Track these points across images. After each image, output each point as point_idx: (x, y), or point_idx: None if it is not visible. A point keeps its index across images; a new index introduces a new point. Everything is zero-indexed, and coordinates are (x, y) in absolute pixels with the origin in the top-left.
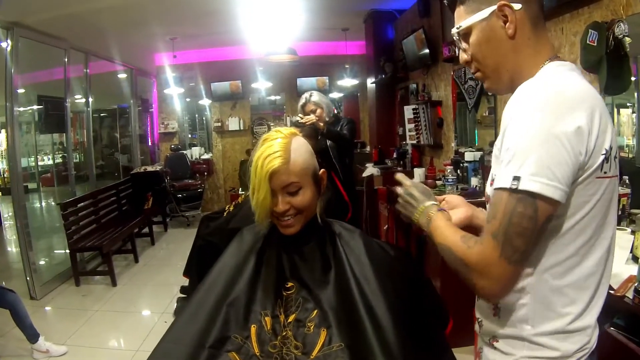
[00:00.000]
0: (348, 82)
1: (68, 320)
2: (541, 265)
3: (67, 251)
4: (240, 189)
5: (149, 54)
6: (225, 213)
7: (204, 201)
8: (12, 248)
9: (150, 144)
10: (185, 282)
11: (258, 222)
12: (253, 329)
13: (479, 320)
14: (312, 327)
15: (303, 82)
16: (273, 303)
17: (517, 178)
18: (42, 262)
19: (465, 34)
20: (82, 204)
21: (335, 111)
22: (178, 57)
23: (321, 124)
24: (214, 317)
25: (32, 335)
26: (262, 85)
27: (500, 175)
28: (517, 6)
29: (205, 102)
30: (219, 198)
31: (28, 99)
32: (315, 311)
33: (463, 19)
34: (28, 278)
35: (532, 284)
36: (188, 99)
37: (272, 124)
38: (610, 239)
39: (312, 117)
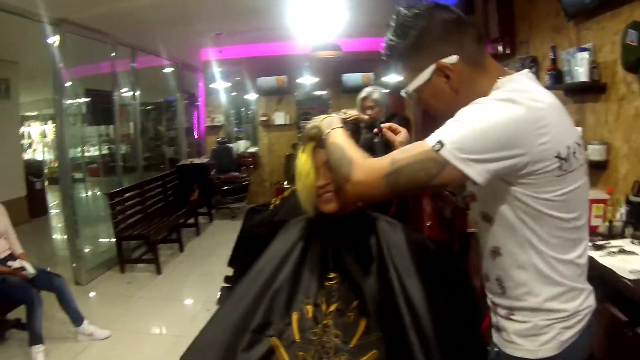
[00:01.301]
0: (393, 78)
1: (112, 306)
2: (538, 243)
3: (113, 239)
4: (285, 182)
5: (194, 49)
6: (271, 206)
7: (249, 194)
8: (58, 235)
9: (196, 136)
10: (230, 272)
11: (304, 204)
12: (295, 316)
13: (491, 299)
14: (352, 317)
15: (348, 77)
16: (315, 292)
17: (441, 143)
18: (87, 250)
19: (415, 91)
20: (128, 193)
21: None
22: (224, 52)
23: (365, 117)
24: (258, 303)
25: (77, 319)
26: (307, 81)
27: (435, 133)
28: (453, 59)
29: (251, 96)
30: (264, 191)
31: (75, 92)
32: (356, 301)
33: (406, 79)
34: (74, 265)
35: (529, 261)
36: (234, 93)
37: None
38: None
39: (354, 113)
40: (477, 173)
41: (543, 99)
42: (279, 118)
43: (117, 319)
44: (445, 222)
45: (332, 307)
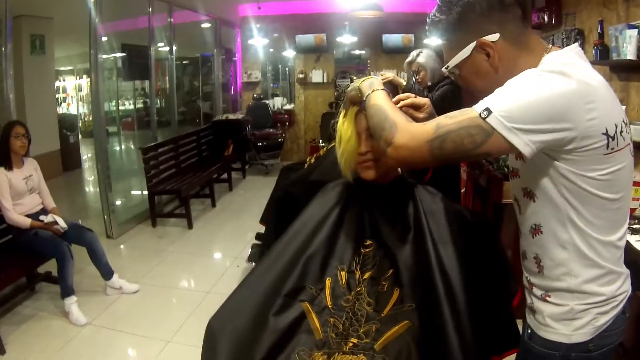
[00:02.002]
0: (434, 41)
1: (142, 260)
2: (581, 223)
3: (145, 193)
4: (320, 141)
5: (232, 5)
6: (306, 165)
7: (283, 151)
8: (90, 188)
9: (232, 92)
10: (261, 229)
11: (344, 170)
12: (328, 281)
13: (527, 278)
14: (386, 286)
15: (388, 38)
16: (350, 259)
17: (489, 110)
18: (119, 203)
19: (456, 68)
20: (162, 148)
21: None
22: (262, 9)
23: (402, 82)
24: (292, 267)
25: (107, 272)
26: (346, 40)
27: (482, 100)
28: (494, 37)
29: (289, 53)
30: (298, 149)
31: (111, 46)
32: (391, 270)
33: (447, 55)
34: (105, 217)
35: (570, 241)
36: (271, 50)
37: (355, 78)
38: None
39: (390, 75)
40: (523, 144)
41: (592, 76)
42: (317, 76)
43: (146, 273)
44: (480, 191)
45: (366, 275)
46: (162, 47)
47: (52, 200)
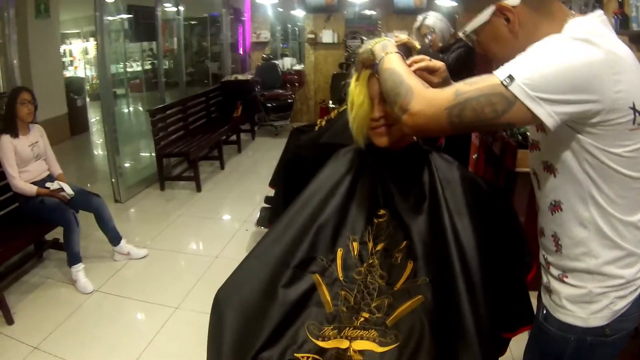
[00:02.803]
0: (446, 2)
1: (151, 223)
2: (603, 201)
3: (154, 155)
4: (331, 102)
5: None
6: (316, 127)
7: (293, 112)
8: (99, 151)
9: (241, 52)
10: (270, 192)
11: (356, 135)
12: (340, 252)
13: (545, 256)
14: (399, 258)
15: None
16: (363, 229)
17: (511, 77)
18: (127, 165)
19: (473, 33)
20: (170, 110)
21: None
22: None
23: (417, 45)
24: (302, 237)
25: (115, 238)
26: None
27: (504, 66)
28: (515, 1)
29: (299, 13)
30: (308, 109)
31: (117, 8)
32: (405, 242)
33: (464, 19)
34: (113, 180)
35: (591, 219)
36: (281, 9)
37: (365, 39)
38: None
39: (404, 37)
40: (547, 114)
41: (619, 46)
42: (327, 36)
43: (154, 237)
44: (493, 159)
45: (379, 246)
46: (169, 8)
47: (58, 166)
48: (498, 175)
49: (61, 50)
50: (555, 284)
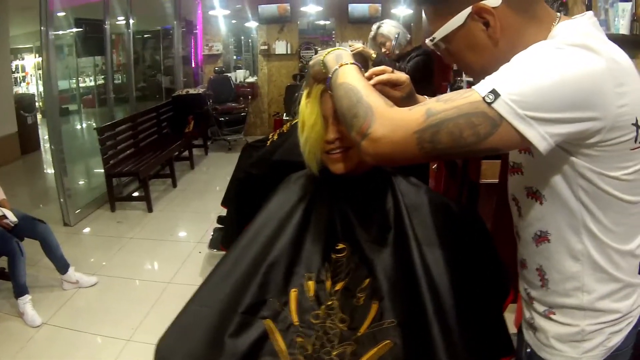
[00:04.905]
0: (402, 11)
1: (101, 248)
2: (598, 231)
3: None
4: (285, 114)
5: None
6: (268, 142)
7: (247, 125)
8: (50, 171)
9: (193, 65)
10: (224, 212)
11: (308, 160)
12: (293, 293)
13: (527, 290)
14: (362, 299)
15: (354, 8)
16: (319, 266)
17: (495, 93)
18: (81, 183)
19: (443, 40)
20: (120, 127)
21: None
22: None
23: (372, 53)
24: (250, 278)
25: (62, 266)
26: (311, 9)
27: (486, 79)
28: (495, 2)
29: (252, 24)
30: (262, 122)
31: (68, 22)
32: (368, 280)
33: (433, 23)
34: (62, 200)
35: (585, 251)
36: (234, 21)
37: (319, 49)
38: None
39: (359, 45)
40: (539, 137)
41: (619, 52)
42: (280, 47)
43: (106, 262)
44: (454, 169)
45: (339, 286)
46: (120, 21)
47: (1, 191)
48: (462, 187)
49: (12, 66)
50: (541, 321)
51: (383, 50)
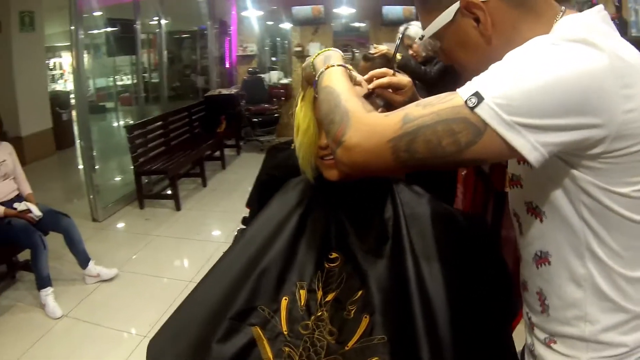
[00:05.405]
0: None
1: (127, 244)
2: (604, 255)
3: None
4: None
5: None
6: (292, 145)
7: (279, 126)
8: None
9: (228, 66)
10: (248, 213)
11: (302, 167)
12: (284, 302)
13: (528, 314)
14: (352, 312)
15: (389, 10)
16: (312, 274)
17: (479, 96)
18: (111, 180)
19: (435, 38)
20: (151, 126)
21: None
22: None
23: (397, 55)
24: (242, 283)
25: (84, 261)
26: (345, 11)
27: (470, 82)
28: None
29: (286, 25)
30: None
31: (102, 21)
32: (360, 292)
33: (423, 20)
34: (91, 196)
35: (588, 277)
36: (269, 22)
37: (356, 51)
38: None
39: (383, 47)
40: (529, 146)
41: (627, 48)
42: (314, 49)
43: (130, 259)
44: (484, 175)
45: (330, 296)
46: (154, 21)
47: (28, 185)
48: (488, 196)
49: (51, 64)
50: (541, 349)
51: (410, 52)
